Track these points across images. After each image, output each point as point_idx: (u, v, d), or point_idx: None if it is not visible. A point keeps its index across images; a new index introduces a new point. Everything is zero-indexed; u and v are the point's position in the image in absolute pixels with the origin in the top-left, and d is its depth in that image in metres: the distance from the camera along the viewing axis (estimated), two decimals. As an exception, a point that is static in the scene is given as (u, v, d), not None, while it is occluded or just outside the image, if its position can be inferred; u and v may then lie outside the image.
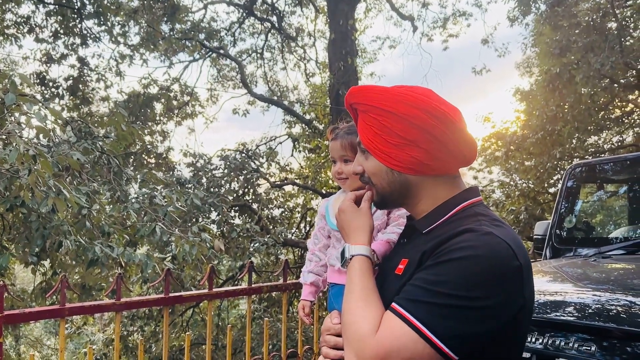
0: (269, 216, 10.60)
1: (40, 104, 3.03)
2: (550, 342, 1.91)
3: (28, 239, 3.66)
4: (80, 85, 10.48)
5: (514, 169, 11.21)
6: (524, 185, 11.38)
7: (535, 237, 3.48)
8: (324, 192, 10.77)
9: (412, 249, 1.16)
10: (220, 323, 11.53)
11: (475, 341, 0.99)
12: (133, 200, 4.37)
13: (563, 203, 3.32)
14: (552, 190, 11.55)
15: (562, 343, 1.86)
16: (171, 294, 2.63)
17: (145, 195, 4.49)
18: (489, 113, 15.53)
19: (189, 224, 5.07)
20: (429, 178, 1.17)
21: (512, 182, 12.47)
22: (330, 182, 11.61)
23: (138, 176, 4.86)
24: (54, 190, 2.95)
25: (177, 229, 4.38)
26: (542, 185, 11.13)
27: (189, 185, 8.86)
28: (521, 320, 1.05)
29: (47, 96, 9.13)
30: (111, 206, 4.57)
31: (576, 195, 3.31)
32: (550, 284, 2.55)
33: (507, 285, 0.99)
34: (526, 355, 1.99)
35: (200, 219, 6.68)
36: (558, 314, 2.01)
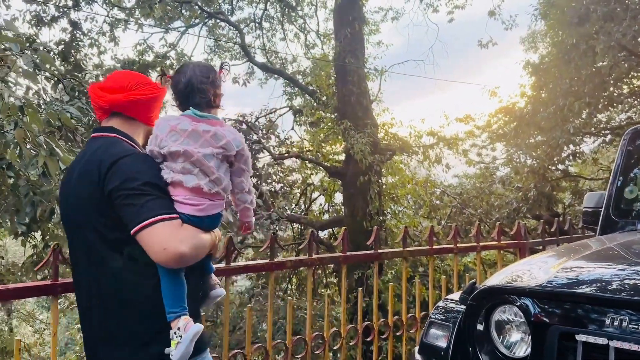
0: (271, 190, 10.22)
1: (30, 48, 2.60)
2: (625, 325, 1.59)
3: (16, 207, 3.25)
4: (73, 51, 9.91)
5: (524, 144, 10.84)
6: (533, 162, 11.03)
7: (585, 209, 3.12)
8: (327, 165, 10.38)
9: None
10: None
11: None
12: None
13: (621, 171, 2.95)
14: (561, 167, 11.25)
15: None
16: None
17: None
18: (495, 87, 15.14)
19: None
20: None
21: (517, 160, 12.15)
22: (334, 156, 11.24)
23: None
24: (46, 148, 2.55)
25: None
26: (551, 161, 10.79)
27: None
28: None
29: (37, 61, 8.55)
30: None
31: (637, 163, 2.94)
32: (612, 263, 2.22)
33: None
34: (602, 341, 1.66)
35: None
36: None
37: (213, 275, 1.85)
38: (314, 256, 2.72)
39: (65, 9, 9.50)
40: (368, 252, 3.00)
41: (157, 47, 11.76)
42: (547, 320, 1.81)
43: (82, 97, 3.89)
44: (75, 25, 9.70)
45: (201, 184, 1.52)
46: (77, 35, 9.78)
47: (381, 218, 9.04)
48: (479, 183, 13.43)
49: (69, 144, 3.97)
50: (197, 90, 1.62)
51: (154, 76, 12.00)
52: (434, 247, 3.31)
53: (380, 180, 9.28)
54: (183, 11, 11.64)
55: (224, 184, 1.57)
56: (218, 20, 12.20)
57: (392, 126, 10.36)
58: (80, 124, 4.27)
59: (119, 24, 10.41)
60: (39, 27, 9.38)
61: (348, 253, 2.86)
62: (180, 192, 1.53)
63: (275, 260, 2.57)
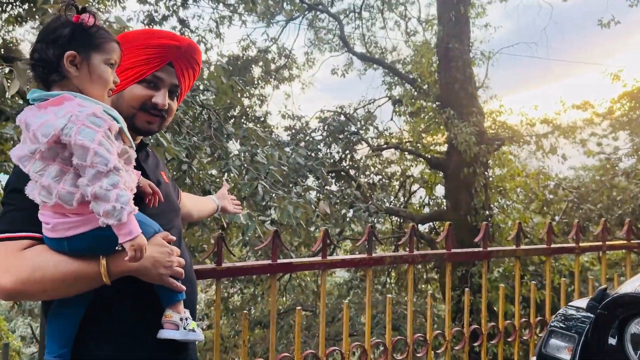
0: (370, 182, 10.06)
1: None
2: None
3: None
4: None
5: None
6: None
7: None
8: (428, 156, 9.99)
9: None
10: (316, 289, 11.37)
11: None
12: (234, 157, 4.01)
13: None
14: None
15: None
16: (279, 261, 2.19)
17: (247, 153, 4.12)
18: (619, 70, 13.66)
19: (291, 186, 4.64)
20: None
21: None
22: (435, 147, 10.80)
23: (240, 132, 4.50)
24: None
25: (279, 190, 3.98)
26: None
27: (287, 149, 8.55)
28: None
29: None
30: (211, 164, 4.27)
31: None
32: None
33: None
34: None
35: (297, 184, 6.30)
36: None
37: (171, 312, 1.32)
38: (415, 252, 2.52)
39: (174, 8, 10.03)
40: (476, 249, 2.74)
41: (259, 42, 12.05)
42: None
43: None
44: (183, 22, 10.23)
45: (35, 194, 1.16)
46: (186, 32, 10.30)
47: (487, 213, 8.51)
48: (599, 175, 12.22)
49: (175, 135, 4.11)
50: (36, 62, 1.18)
51: (257, 71, 12.24)
52: (552, 246, 2.96)
53: (486, 173, 8.73)
54: (284, 4, 11.82)
55: (53, 192, 1.12)
56: (318, 12, 12.22)
57: (501, 114, 9.69)
58: (186, 116, 4.41)
59: (224, 20, 10.79)
60: (150, 26, 10.00)
61: (453, 250, 2.63)
62: (43, 208, 1.18)
63: (373, 255, 2.41)
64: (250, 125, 11.13)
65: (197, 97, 4.18)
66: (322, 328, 2.28)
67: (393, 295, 11.00)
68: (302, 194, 4.09)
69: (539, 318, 2.85)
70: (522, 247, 2.84)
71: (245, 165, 3.96)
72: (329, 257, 2.31)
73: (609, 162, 12.48)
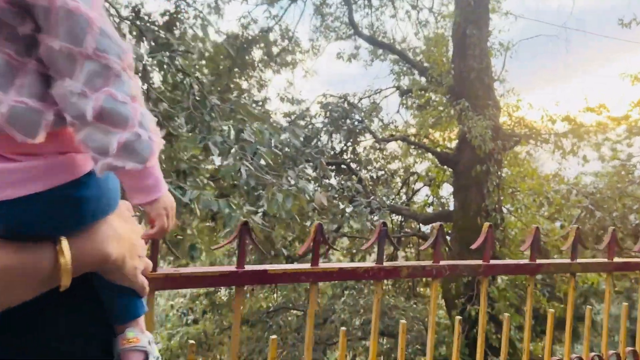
0: (372, 177, 9.37)
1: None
2: None
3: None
4: (178, 23, 9.72)
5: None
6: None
7: None
8: (437, 151, 9.28)
9: None
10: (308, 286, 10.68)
11: None
12: (215, 133, 3.29)
13: None
14: None
15: None
16: (253, 267, 1.48)
17: (232, 129, 3.40)
18: (639, 73, 12.96)
19: (283, 172, 3.92)
20: None
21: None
22: (445, 142, 10.09)
23: (226, 106, 3.79)
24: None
25: (268, 176, 3.28)
26: None
27: (284, 136, 7.83)
28: None
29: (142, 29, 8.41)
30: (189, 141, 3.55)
31: None
32: None
33: None
34: None
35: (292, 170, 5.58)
36: None
37: (135, 332, 0.86)
38: (443, 263, 1.81)
39: (171, -22, 9.26)
40: (521, 262, 2.03)
41: (261, 21, 11.31)
42: None
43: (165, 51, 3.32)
44: (180, -5, 9.47)
45: None
46: (182, 6, 9.55)
47: (498, 216, 7.80)
48: (614, 182, 11.56)
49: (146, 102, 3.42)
50: None
51: (258, 54, 11.52)
52: (616, 260, 2.25)
53: (499, 171, 8.03)
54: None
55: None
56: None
57: (518, 109, 8.97)
58: (164, 84, 3.70)
59: (224, -6, 10.06)
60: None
61: (492, 262, 1.92)
62: None
63: (385, 264, 1.70)
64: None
65: (176, 59, 3.45)
66: (310, 327, 1.57)
67: (389, 299, 10.32)
68: (295, 181, 3.37)
69: (629, 349, 2.16)
70: (580, 260, 2.14)
71: (227, 143, 3.25)
72: (322, 265, 1.59)
73: (624, 169, 11.82)
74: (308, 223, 10.58)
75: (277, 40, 11.74)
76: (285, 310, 10.45)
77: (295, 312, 10.47)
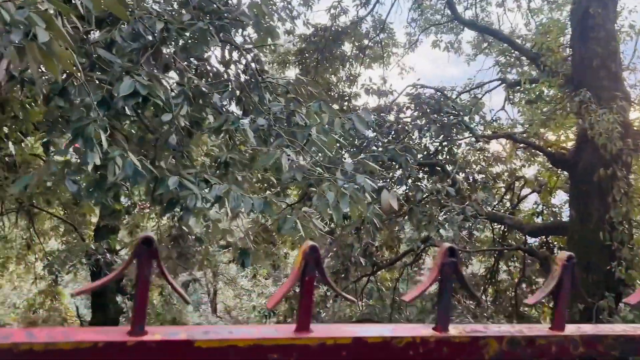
0: (468, 180, 8.28)
1: None
2: None
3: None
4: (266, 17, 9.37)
5: None
6: None
7: None
8: (550, 151, 7.97)
9: None
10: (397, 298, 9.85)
11: None
12: (254, 115, 2.63)
13: None
14: None
15: None
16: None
17: (278, 109, 2.73)
18: None
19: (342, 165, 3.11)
20: None
21: None
22: (559, 141, 8.68)
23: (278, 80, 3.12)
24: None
25: (318, 168, 2.55)
26: None
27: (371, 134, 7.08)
28: None
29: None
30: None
31: None
32: None
33: None
34: None
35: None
36: None
37: None
38: (572, 332, 0.94)
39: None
40: None
41: (352, 12, 10.63)
42: None
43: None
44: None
45: None
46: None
47: (626, 230, 6.40)
48: None
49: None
50: None
51: (348, 47, 10.87)
52: None
53: (629, 177, 6.62)
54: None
55: None
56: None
57: (654, 102, 7.42)
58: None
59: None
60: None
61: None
62: None
63: (452, 333, 0.87)
64: (336, 106, 9.76)
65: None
66: None
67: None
68: (350, 176, 2.57)
69: None
70: None
71: (273, 128, 2.57)
72: (314, 334, 0.81)
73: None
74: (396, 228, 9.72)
75: (369, 32, 10.99)
76: (368, 321, 9.68)
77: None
